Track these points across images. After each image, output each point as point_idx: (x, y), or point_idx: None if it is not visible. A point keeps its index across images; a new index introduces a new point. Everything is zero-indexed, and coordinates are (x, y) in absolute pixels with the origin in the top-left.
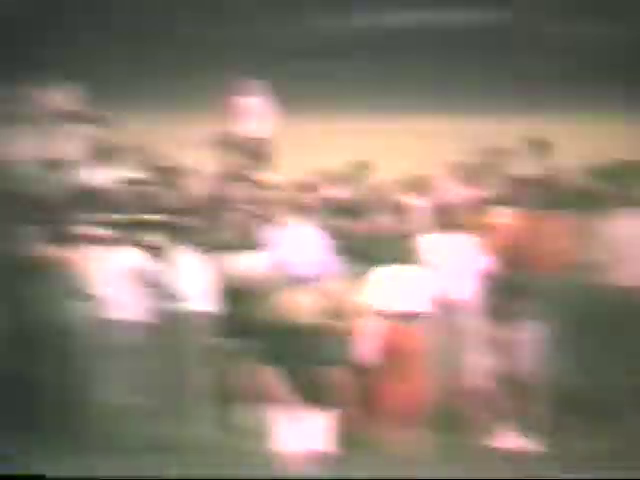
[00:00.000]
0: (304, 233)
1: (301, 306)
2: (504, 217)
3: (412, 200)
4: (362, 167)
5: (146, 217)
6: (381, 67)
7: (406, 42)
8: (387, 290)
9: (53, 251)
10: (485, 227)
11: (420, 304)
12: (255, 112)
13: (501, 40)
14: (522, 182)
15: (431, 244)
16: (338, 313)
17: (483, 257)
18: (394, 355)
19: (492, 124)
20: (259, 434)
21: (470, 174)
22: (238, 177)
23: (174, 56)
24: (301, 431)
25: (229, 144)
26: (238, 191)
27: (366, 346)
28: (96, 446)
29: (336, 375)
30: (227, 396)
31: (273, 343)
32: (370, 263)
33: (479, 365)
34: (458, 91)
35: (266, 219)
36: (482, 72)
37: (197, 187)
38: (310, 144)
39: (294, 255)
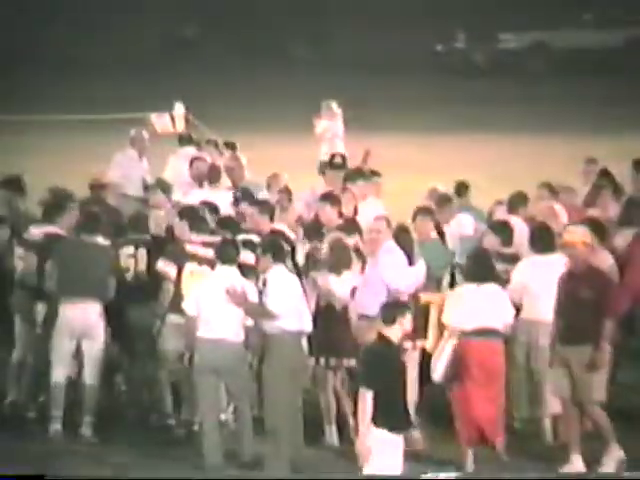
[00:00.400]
0: (401, 255)
1: (393, 328)
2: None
3: (512, 220)
4: (462, 187)
5: (243, 237)
6: (482, 86)
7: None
8: (467, 308)
9: (158, 267)
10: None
11: (499, 321)
12: (333, 134)
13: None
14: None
15: (528, 264)
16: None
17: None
18: (474, 371)
19: (605, 145)
20: (346, 454)
21: (571, 195)
22: (334, 199)
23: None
24: (389, 454)
25: (327, 166)
26: (334, 212)
27: (445, 363)
28: (183, 460)
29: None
30: (317, 415)
31: (364, 364)
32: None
33: (555, 386)
34: (570, 110)
35: (366, 240)
36: (596, 91)
37: (292, 208)
38: (409, 163)
39: (389, 276)
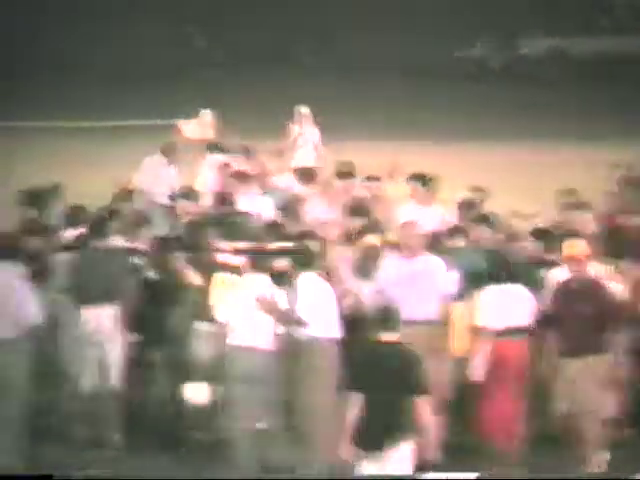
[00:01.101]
0: (429, 262)
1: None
2: None
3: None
4: (478, 192)
5: (273, 244)
6: (500, 92)
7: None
8: (495, 308)
9: (188, 275)
10: None
11: (526, 319)
12: (305, 140)
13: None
14: None
15: (559, 271)
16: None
17: None
18: (501, 369)
19: (624, 151)
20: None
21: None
22: (364, 210)
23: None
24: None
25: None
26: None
27: (478, 363)
28: (215, 468)
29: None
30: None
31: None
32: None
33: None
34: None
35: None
36: (614, 98)
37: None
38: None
39: (445, 285)
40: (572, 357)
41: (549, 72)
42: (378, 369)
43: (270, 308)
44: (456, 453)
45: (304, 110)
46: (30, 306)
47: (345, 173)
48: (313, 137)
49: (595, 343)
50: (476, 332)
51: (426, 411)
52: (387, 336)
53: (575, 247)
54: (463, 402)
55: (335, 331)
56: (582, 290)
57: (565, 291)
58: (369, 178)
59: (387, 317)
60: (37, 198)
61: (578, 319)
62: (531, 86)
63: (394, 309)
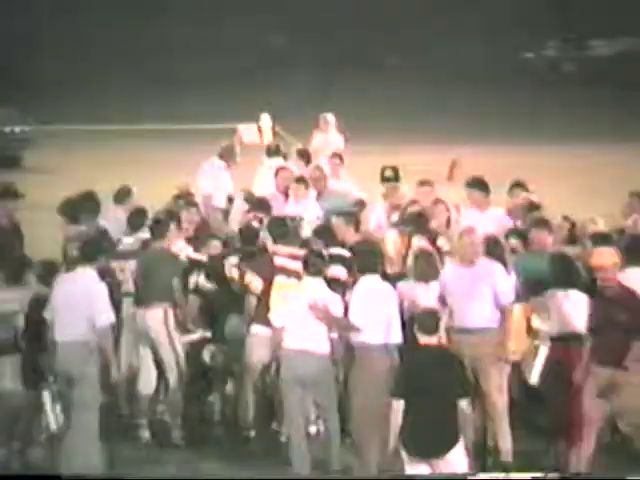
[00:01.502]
0: (487, 267)
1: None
2: None
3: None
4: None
5: (331, 249)
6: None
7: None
8: (555, 312)
9: (247, 279)
10: None
11: (582, 326)
12: (329, 147)
13: None
14: None
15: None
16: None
17: None
18: (562, 374)
19: None
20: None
21: None
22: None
23: None
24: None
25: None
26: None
27: (540, 367)
28: (270, 470)
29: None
30: None
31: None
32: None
33: None
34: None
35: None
36: None
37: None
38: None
39: (505, 291)
40: (604, 366)
41: (626, 72)
42: (418, 374)
43: (321, 314)
44: (518, 457)
45: (330, 118)
46: (105, 308)
47: (389, 177)
48: (338, 144)
49: (622, 355)
50: (534, 335)
51: (470, 413)
52: (425, 339)
53: (603, 256)
54: (523, 406)
55: (395, 336)
56: (617, 299)
57: (600, 300)
58: (421, 183)
59: (425, 320)
60: (95, 203)
61: (615, 328)
62: (605, 87)
63: (432, 312)
